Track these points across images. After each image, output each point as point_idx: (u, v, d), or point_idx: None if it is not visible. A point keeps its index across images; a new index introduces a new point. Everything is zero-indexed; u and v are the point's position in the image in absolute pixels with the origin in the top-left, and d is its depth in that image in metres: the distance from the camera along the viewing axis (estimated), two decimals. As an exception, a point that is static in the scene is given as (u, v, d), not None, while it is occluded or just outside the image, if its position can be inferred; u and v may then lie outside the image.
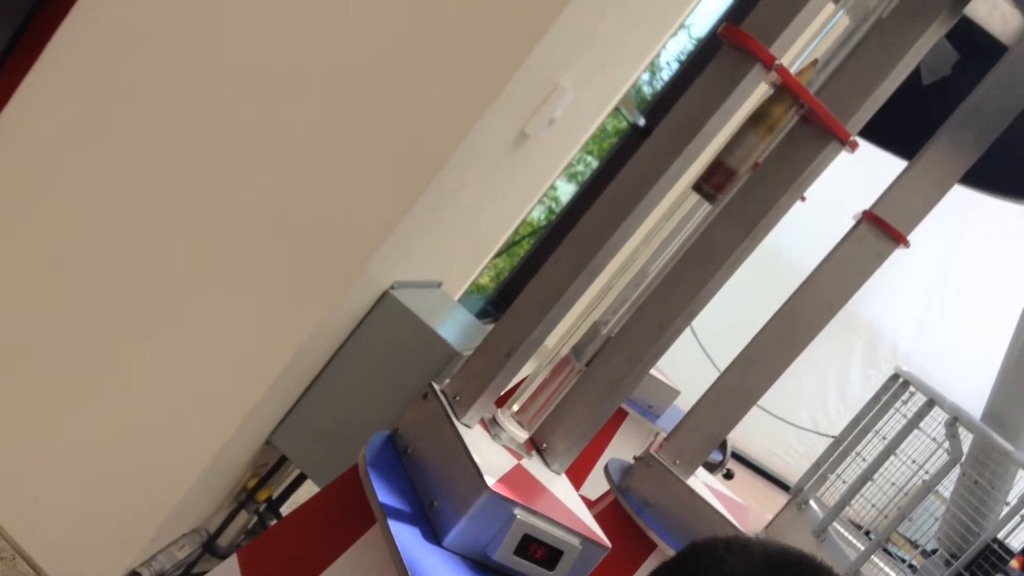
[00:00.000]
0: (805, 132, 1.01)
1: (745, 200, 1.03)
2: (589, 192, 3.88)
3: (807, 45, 1.52)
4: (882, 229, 1.29)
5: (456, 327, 1.53)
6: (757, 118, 0.99)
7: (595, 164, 4.08)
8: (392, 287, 1.48)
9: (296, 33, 1.28)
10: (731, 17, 2.96)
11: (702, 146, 0.94)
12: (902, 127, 1.66)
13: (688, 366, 3.45)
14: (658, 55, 3.60)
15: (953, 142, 1.39)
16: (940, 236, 5.33)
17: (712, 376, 1.38)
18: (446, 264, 1.70)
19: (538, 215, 4.37)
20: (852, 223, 1.37)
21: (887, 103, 1.21)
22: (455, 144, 1.17)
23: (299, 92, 1.31)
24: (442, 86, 1.19)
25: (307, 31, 1.27)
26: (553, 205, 4.31)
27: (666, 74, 3.94)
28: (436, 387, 1.02)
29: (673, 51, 3.80)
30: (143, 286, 1.40)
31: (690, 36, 3.72)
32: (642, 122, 3.41)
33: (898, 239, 1.29)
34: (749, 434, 5.98)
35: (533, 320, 0.98)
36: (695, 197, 1.06)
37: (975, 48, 1.52)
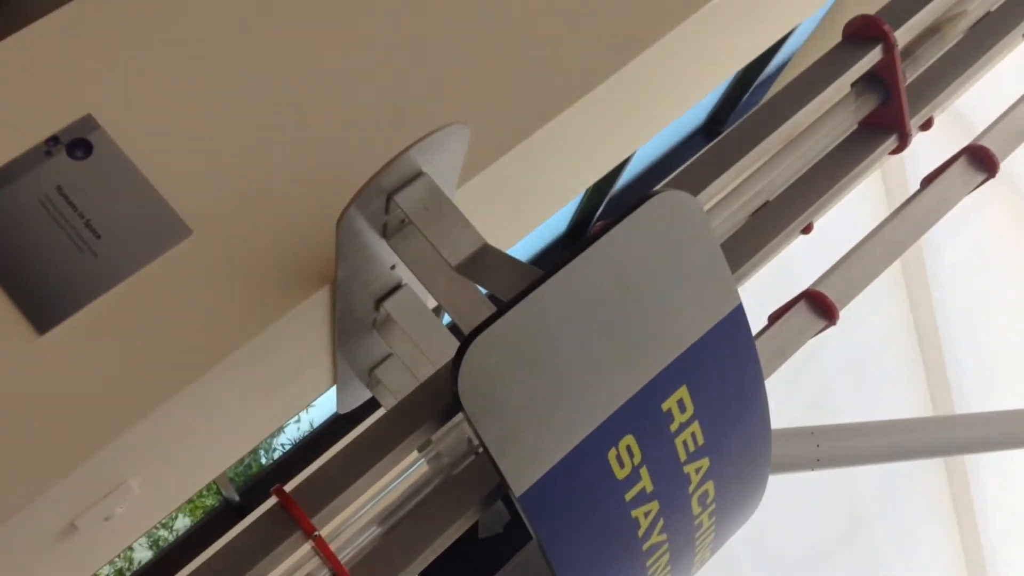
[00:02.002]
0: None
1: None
2: (167, 558, 3.61)
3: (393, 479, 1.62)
4: None
5: None
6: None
7: (185, 524, 3.85)
8: None
9: None
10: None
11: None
12: (461, 573, 1.79)
13: None
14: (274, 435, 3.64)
15: (490, 602, 1.51)
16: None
17: None
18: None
19: (107, 572, 3.95)
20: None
21: (449, 549, 1.31)
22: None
23: None
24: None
25: None
26: (126, 565, 3.93)
27: (278, 453, 3.97)
28: None
29: (290, 434, 3.87)
30: None
31: (311, 425, 3.83)
32: (237, 499, 3.34)
33: None
34: None
35: None
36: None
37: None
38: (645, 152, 4.32)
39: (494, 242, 1.31)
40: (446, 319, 2.47)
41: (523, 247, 4.08)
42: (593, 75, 1.66)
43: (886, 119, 1.24)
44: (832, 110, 1.24)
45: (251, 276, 1.31)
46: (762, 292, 1.90)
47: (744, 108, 4.45)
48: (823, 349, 4.02)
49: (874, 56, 1.17)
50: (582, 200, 4.19)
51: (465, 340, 0.97)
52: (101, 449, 1.14)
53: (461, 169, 1.40)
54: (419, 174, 1.28)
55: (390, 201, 1.29)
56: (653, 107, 2.20)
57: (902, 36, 1.19)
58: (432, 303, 1.63)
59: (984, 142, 1.43)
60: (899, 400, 4.55)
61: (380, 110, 1.48)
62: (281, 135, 1.44)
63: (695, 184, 1.14)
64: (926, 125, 1.54)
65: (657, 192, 1.03)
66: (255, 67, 1.47)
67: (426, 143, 1.25)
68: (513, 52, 1.59)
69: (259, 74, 1.47)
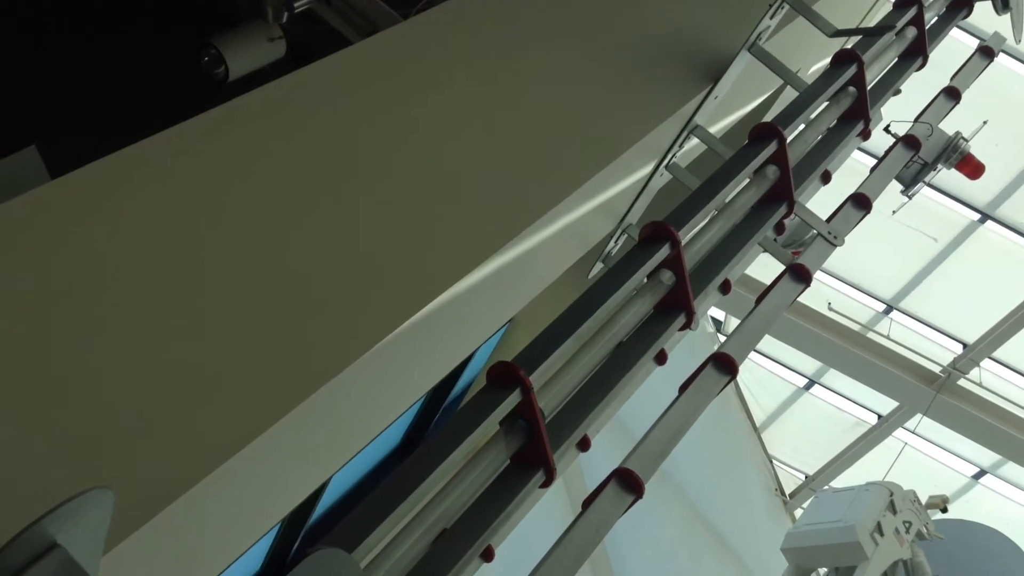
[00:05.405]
0: None
1: None
2: None
3: None
4: None
5: None
6: None
7: None
8: None
9: None
10: None
11: None
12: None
13: None
14: None
15: None
16: None
17: None
18: None
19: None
20: None
21: None
22: None
23: None
24: None
25: None
26: None
27: None
28: None
29: None
30: None
31: None
32: None
33: None
34: None
35: None
36: None
37: None
38: (348, 472, 4.28)
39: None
40: None
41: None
42: (264, 418, 1.64)
43: (532, 455, 1.33)
44: (486, 447, 1.30)
45: None
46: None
47: (437, 426, 4.60)
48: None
49: (515, 399, 1.27)
50: (277, 533, 3.98)
51: None
52: None
53: (107, 534, 1.27)
54: (53, 546, 1.15)
55: (16, 581, 1.14)
56: (336, 436, 2.20)
57: (538, 378, 1.31)
58: None
59: (629, 465, 1.56)
60: None
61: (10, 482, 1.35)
62: None
63: (356, 535, 1.12)
64: (584, 445, 1.66)
65: (310, 553, 1.00)
66: None
67: (61, 512, 1.13)
68: (168, 405, 1.54)
69: None
